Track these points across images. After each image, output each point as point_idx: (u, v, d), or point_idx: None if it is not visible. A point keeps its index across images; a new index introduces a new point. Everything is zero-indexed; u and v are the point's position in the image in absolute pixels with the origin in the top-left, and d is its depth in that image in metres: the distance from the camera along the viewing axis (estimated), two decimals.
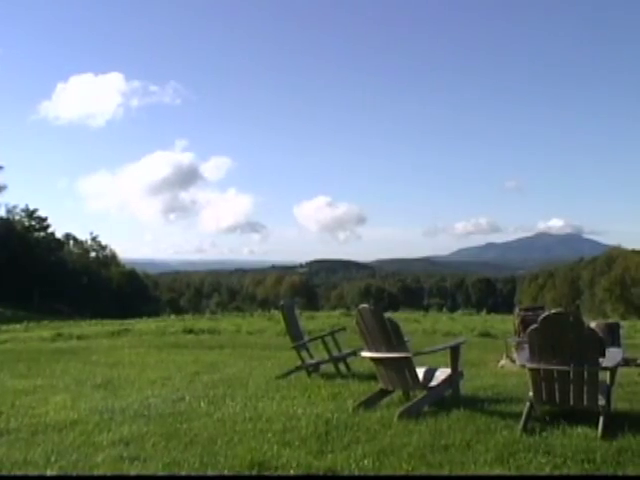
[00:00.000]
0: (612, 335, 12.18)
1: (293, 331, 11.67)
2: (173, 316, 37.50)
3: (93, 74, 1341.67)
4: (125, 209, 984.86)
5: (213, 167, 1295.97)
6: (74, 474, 5.55)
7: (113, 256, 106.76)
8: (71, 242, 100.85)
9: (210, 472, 5.48)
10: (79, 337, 21.29)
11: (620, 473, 5.31)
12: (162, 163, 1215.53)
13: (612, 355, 7.64)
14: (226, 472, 5.48)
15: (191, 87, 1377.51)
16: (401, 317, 27.57)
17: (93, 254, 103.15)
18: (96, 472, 5.54)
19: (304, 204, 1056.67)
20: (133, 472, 5.52)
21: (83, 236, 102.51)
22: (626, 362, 10.33)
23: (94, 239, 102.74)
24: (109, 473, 5.50)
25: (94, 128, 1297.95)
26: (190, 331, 22.49)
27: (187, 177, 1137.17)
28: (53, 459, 5.87)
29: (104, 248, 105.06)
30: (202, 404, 8.34)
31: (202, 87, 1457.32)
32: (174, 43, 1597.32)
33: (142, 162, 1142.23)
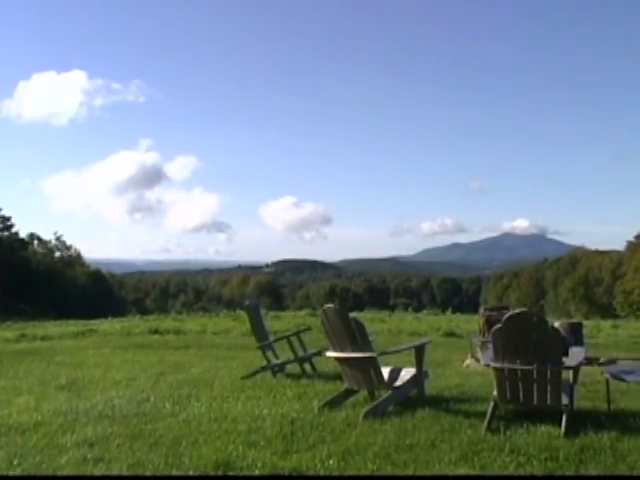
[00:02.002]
0: (575, 334, 12.30)
1: (258, 331, 11.65)
2: (138, 316, 37.25)
3: (55, 72, 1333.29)
4: (90, 209, 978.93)
5: (178, 166, 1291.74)
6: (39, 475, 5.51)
7: (78, 256, 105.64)
8: (35, 242, 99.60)
9: (175, 473, 5.47)
10: (43, 338, 21.07)
11: (582, 471, 5.36)
12: (127, 162, 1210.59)
13: (575, 354, 7.72)
14: (191, 473, 5.46)
15: (155, 85, 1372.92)
16: (367, 317, 27.67)
17: (58, 254, 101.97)
18: (60, 474, 5.50)
19: (270, 204, 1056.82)
20: (98, 474, 5.48)
21: (48, 236, 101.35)
22: (589, 361, 10.44)
23: (59, 239, 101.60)
24: (72, 474, 5.46)
25: (57, 127, 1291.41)
26: (155, 331, 22.36)
27: (152, 176, 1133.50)
28: (16, 462, 5.80)
29: (69, 248, 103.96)
30: (167, 405, 8.30)
31: (166, 85, 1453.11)
32: (138, 40, 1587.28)
33: (107, 161, 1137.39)
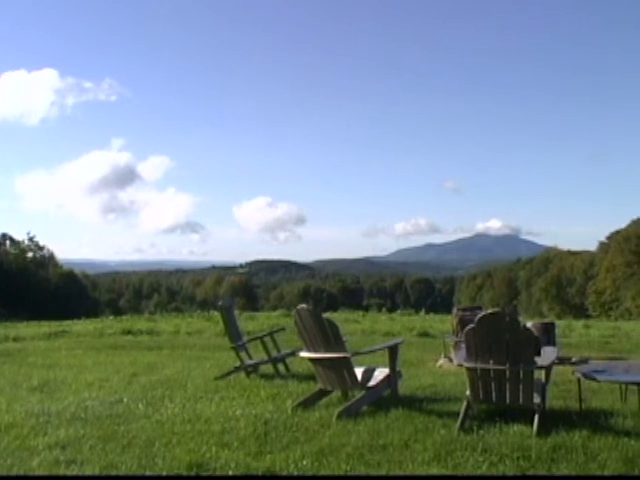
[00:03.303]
0: (547, 334, 12.39)
1: (232, 332, 11.63)
2: (112, 317, 37.13)
3: (26, 70, 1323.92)
4: (63, 209, 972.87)
5: (151, 166, 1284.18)
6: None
7: (51, 256, 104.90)
8: (7, 242, 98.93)
9: (148, 474, 5.44)
10: (15, 339, 20.89)
11: (554, 469, 5.40)
12: (99, 162, 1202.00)
13: (547, 354, 7.77)
14: (164, 474, 5.44)
15: (126, 84, 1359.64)
16: (340, 317, 27.73)
17: (30, 255, 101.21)
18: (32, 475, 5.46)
19: (244, 204, 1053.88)
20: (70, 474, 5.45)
21: (20, 236, 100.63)
22: (561, 361, 10.51)
23: (31, 239, 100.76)
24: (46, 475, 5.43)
25: (28, 127, 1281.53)
26: (128, 332, 22.29)
27: (125, 176, 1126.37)
28: None
29: (42, 248, 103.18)
30: (140, 406, 8.26)
31: (137, 84, 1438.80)
32: (109, 38, 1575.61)
33: (79, 161, 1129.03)
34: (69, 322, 31.48)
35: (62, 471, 5.55)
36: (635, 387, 7.20)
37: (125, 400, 8.67)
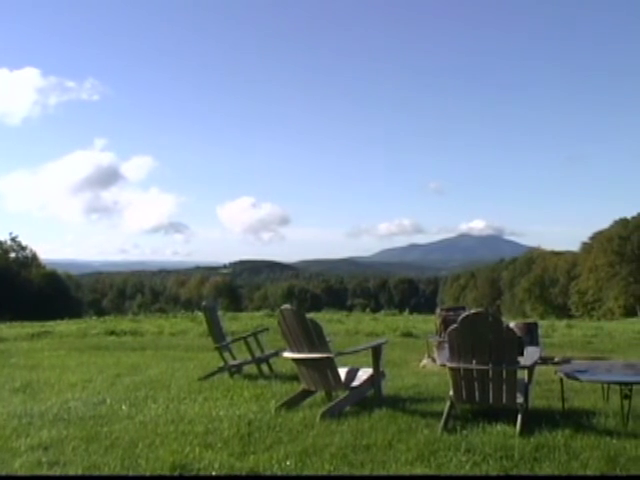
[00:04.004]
0: (530, 334, 12.44)
1: (215, 332, 11.62)
2: (95, 318, 36.91)
3: (8, 69, 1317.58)
4: (46, 209, 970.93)
5: (134, 166, 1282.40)
6: None
7: (34, 257, 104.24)
8: None
9: (132, 474, 5.44)
10: None
11: (537, 469, 5.42)
12: (82, 162, 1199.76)
13: (530, 354, 7.81)
14: (147, 474, 5.43)
15: (109, 83, 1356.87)
16: (324, 318, 27.68)
17: (13, 255, 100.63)
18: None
19: (228, 205, 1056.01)
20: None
21: (2, 236, 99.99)
22: (543, 361, 10.55)
23: (14, 239, 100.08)
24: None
25: (11, 126, 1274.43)
26: (112, 333, 22.16)
27: (108, 177, 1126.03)
28: None
29: (24, 249, 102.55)
30: (123, 407, 8.24)
31: (120, 83, 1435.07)
32: (91, 37, 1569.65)
33: (62, 161, 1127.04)
34: (52, 323, 31.25)
35: (44, 472, 5.52)
36: (617, 387, 7.23)
37: (108, 401, 8.64)
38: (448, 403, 7.01)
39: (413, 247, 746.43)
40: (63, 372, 11.79)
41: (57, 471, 5.55)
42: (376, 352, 8.20)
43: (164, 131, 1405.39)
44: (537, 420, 6.79)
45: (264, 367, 11.24)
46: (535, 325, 13.53)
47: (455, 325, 6.93)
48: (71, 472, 5.51)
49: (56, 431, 6.94)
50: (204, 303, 12.48)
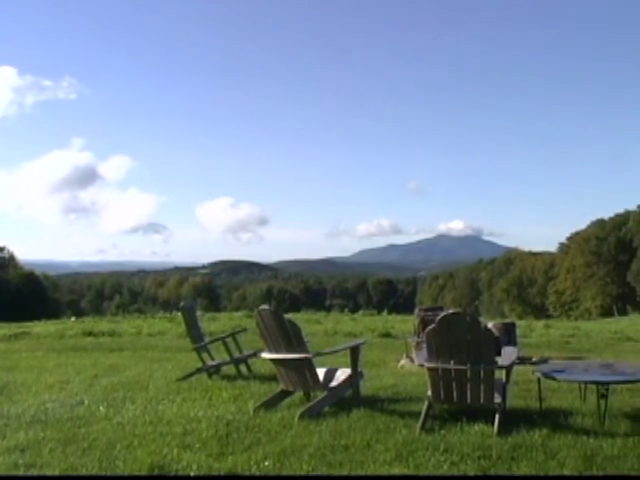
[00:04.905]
0: (508, 334, 12.49)
1: (194, 333, 11.60)
2: (73, 318, 36.71)
3: None
4: (23, 209, 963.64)
5: (112, 166, 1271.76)
6: None
7: (11, 257, 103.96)
8: None
9: (110, 474, 5.42)
10: None
11: (515, 468, 5.45)
12: (60, 162, 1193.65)
13: (508, 354, 7.84)
14: (126, 475, 5.41)
15: (86, 82, 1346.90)
16: (303, 318, 27.70)
17: None
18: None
19: (207, 205, 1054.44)
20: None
21: None
22: (521, 360, 10.60)
23: None
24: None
25: None
26: (90, 334, 22.01)
27: (86, 177, 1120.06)
28: None
29: (2, 249, 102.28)
30: (101, 408, 8.20)
31: (97, 82, 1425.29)
32: (68, 36, 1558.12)
33: (39, 161, 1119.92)
34: (29, 324, 31.07)
35: (22, 474, 5.49)
36: (594, 386, 7.27)
37: (86, 402, 8.59)
38: (426, 403, 7.03)
39: (392, 247, 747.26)
40: (40, 373, 11.71)
41: (34, 473, 5.51)
42: (354, 352, 8.20)
43: (143, 131, 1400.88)
44: (515, 420, 6.82)
45: (242, 368, 11.23)
46: (513, 325, 13.59)
47: (433, 325, 6.95)
48: (48, 474, 5.48)
49: (33, 433, 6.89)
50: (182, 303, 12.47)
